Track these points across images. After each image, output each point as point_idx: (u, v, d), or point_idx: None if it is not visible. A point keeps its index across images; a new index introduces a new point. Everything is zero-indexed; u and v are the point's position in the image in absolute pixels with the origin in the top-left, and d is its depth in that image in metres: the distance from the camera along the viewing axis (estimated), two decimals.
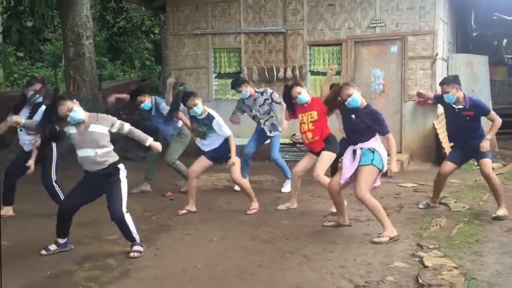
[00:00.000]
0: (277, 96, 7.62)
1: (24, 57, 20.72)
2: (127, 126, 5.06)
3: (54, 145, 6.31)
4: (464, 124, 6.15)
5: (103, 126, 4.86)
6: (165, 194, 7.69)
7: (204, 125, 6.41)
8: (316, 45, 10.82)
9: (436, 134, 9.85)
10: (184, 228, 5.89)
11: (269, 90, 7.77)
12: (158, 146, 5.28)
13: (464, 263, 4.50)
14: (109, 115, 5.02)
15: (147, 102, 7.53)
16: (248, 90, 7.65)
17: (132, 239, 5.00)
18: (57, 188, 6.40)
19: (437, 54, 9.94)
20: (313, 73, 10.87)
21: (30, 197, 6.99)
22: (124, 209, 4.90)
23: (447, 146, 9.69)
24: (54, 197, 6.41)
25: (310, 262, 4.66)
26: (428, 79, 10.04)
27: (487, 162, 6.11)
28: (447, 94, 6.15)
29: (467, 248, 4.94)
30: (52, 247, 5.04)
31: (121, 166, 4.99)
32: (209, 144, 6.49)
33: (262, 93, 7.71)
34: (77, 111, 4.78)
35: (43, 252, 4.98)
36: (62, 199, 6.28)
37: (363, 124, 5.37)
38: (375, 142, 5.37)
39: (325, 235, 5.51)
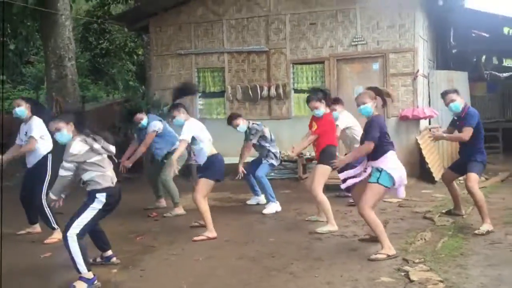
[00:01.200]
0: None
1: (6, 80, 20.57)
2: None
3: (49, 163, 6.27)
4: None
5: None
6: (150, 215, 7.63)
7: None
8: (299, 63, 10.93)
9: (420, 150, 9.93)
10: (170, 248, 5.85)
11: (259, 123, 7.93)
12: None
13: (449, 276, 4.52)
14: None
15: (145, 119, 7.71)
16: (241, 124, 7.77)
17: (77, 270, 4.52)
18: (47, 209, 6.28)
19: (418, 70, 10.08)
20: (296, 91, 10.95)
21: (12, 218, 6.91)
22: (72, 231, 4.52)
23: (430, 161, 9.82)
24: (42, 218, 6.34)
25: (297, 280, 4.64)
26: (410, 95, 10.17)
27: (471, 176, 6.16)
28: (454, 102, 6.27)
29: (452, 261, 4.96)
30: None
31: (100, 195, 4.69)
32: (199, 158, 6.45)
33: (258, 125, 7.86)
34: (64, 134, 4.70)
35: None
36: (51, 221, 6.24)
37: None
38: (384, 161, 5.24)
39: (311, 252, 5.50)
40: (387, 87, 10.19)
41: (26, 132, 6.33)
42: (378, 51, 10.32)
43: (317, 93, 6.58)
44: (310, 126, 6.64)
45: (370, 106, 5.40)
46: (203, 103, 11.67)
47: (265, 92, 10.95)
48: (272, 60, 11.04)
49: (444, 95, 6.47)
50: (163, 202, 8.04)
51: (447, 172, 6.84)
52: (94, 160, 4.65)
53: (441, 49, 13.61)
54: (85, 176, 4.65)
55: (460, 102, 6.30)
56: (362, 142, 5.45)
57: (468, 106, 6.41)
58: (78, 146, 4.60)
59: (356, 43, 10.45)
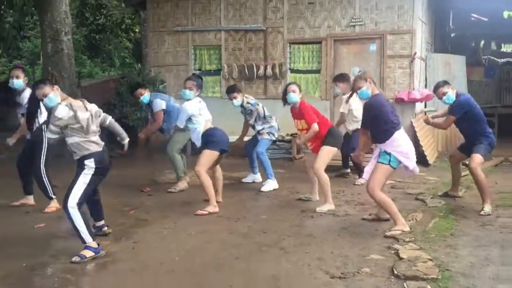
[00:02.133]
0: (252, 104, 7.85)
1: (2, 54, 20.45)
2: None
3: (44, 133, 6.26)
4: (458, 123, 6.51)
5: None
6: (144, 190, 7.65)
7: None
8: (296, 43, 10.89)
9: (415, 133, 9.93)
10: (162, 222, 5.87)
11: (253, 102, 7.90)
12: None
13: (438, 255, 4.57)
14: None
15: (146, 95, 7.73)
16: (238, 99, 7.75)
17: (81, 240, 4.59)
18: (45, 179, 6.33)
19: (415, 53, 10.06)
20: (293, 71, 10.93)
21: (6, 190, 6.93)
22: (71, 201, 4.58)
23: (424, 144, 9.84)
24: (40, 187, 6.39)
25: (287, 255, 4.68)
26: (407, 78, 10.17)
27: (475, 158, 6.23)
28: (446, 95, 6.38)
29: (442, 241, 5.01)
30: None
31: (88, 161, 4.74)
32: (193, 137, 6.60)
33: (252, 104, 7.84)
34: (52, 98, 4.75)
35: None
36: (49, 191, 6.27)
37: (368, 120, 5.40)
38: (391, 145, 5.26)
39: (303, 229, 5.54)
40: (383, 69, 10.22)
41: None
42: (376, 32, 10.28)
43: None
44: (295, 118, 6.72)
45: (366, 88, 5.41)
46: None
47: (261, 71, 10.92)
48: (269, 39, 10.99)
49: (435, 90, 6.56)
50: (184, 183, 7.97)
51: (456, 152, 6.92)
52: (77, 127, 4.69)
53: (439, 32, 13.57)
54: (69, 140, 4.73)
55: (452, 93, 6.40)
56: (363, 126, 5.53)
57: (459, 94, 6.45)
58: (62, 111, 4.66)
59: (354, 23, 10.40)
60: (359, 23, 10.36)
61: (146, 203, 6.89)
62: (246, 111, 7.88)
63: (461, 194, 7.02)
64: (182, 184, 7.65)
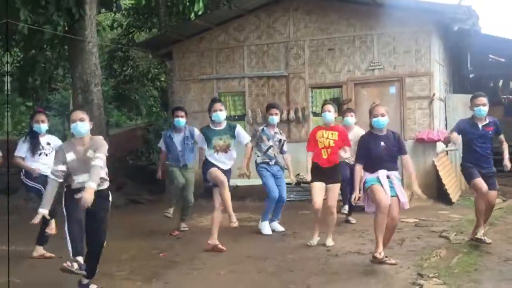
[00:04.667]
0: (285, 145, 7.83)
1: (33, 106, 21.17)
2: (98, 161, 4.66)
3: None
4: (487, 142, 6.33)
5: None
6: (172, 233, 7.86)
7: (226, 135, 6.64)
8: (317, 88, 11.22)
9: (437, 172, 10.06)
10: (192, 263, 6.07)
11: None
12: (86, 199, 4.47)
13: None
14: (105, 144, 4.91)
15: (183, 119, 7.82)
16: (277, 117, 7.67)
17: (92, 273, 4.79)
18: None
19: (434, 94, 10.29)
20: (315, 114, 11.20)
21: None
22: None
23: (447, 183, 9.93)
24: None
25: None
26: (427, 118, 10.37)
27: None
28: (484, 106, 6.31)
29: (466, 276, 5.10)
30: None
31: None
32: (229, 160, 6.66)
33: (280, 133, 7.82)
34: (85, 125, 4.83)
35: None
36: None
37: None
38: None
39: (329, 267, 5.68)
40: (404, 110, 10.45)
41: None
42: (395, 75, 10.57)
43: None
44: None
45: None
46: None
47: (284, 116, 11.21)
48: (291, 85, 11.35)
49: (476, 97, 6.44)
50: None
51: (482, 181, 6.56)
52: None
53: (458, 73, 13.80)
54: None
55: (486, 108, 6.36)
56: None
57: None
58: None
59: (373, 67, 10.72)
60: (378, 67, 10.68)
61: (175, 245, 7.10)
62: (280, 143, 7.69)
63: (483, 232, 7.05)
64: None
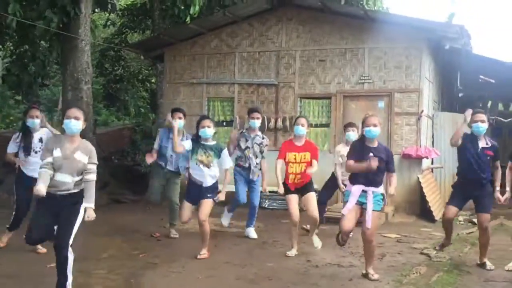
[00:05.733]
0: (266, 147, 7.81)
1: (22, 100, 21.04)
2: (93, 176, 4.74)
3: None
4: (483, 165, 6.17)
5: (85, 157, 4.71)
6: (154, 235, 7.81)
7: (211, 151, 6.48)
8: (306, 98, 11.24)
9: (421, 189, 10.09)
10: (170, 266, 6.02)
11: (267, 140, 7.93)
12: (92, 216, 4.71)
13: None
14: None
15: (182, 121, 7.67)
16: (258, 121, 7.69)
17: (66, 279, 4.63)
18: None
19: (422, 111, 10.34)
20: None
21: None
22: (71, 242, 4.63)
23: (431, 200, 9.96)
24: None
25: None
26: (414, 135, 10.41)
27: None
28: (483, 123, 6.09)
29: None
30: None
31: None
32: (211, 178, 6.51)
33: (263, 137, 7.82)
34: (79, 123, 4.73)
35: None
36: None
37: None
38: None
39: (308, 278, 5.66)
40: (391, 126, 10.48)
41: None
42: (384, 90, 10.61)
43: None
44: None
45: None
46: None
47: (272, 124, 11.22)
48: (281, 93, 11.36)
49: (476, 113, 6.21)
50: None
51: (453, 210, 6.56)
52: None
53: (447, 92, 13.90)
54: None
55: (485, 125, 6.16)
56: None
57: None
58: None
59: (363, 81, 10.76)
60: (368, 80, 10.72)
61: (155, 247, 7.05)
62: (260, 148, 7.70)
63: (463, 251, 7.08)
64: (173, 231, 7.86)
